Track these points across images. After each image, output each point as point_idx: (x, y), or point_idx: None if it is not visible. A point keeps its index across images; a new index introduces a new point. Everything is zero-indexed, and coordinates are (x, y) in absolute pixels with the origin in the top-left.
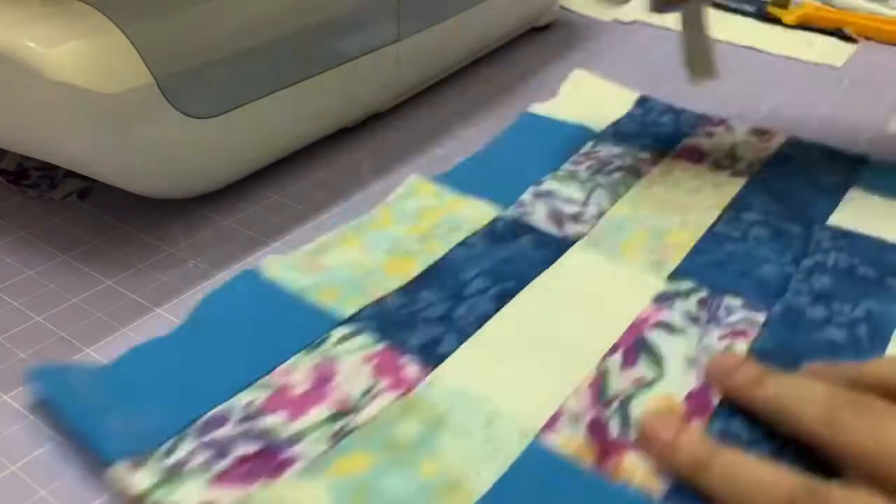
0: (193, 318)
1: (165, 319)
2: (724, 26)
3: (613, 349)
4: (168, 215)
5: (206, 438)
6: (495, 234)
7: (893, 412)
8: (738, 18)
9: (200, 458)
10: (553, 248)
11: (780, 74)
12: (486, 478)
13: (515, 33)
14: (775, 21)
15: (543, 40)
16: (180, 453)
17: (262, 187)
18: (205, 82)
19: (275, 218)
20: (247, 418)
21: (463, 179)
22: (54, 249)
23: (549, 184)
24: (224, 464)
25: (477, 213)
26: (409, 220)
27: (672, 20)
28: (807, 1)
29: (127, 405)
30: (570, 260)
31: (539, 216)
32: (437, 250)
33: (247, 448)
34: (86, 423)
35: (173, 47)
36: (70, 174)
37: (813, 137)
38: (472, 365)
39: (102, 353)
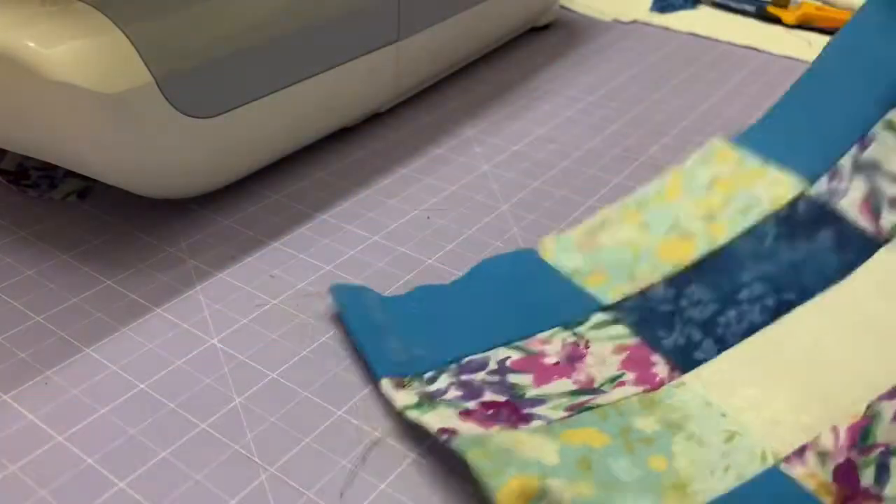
0: (469, 275)
1: (165, 319)
2: (724, 26)
3: (894, 392)
4: (168, 215)
5: (463, 378)
6: (792, 221)
7: None
8: (738, 18)
9: (454, 394)
10: (858, 249)
11: (781, 74)
12: (715, 487)
13: (515, 33)
14: (775, 21)
15: (543, 40)
16: (439, 384)
17: (262, 187)
18: (205, 82)
19: (275, 218)
20: (499, 371)
21: (769, 140)
22: (54, 249)
23: (878, 145)
24: (472, 404)
25: (776, 188)
26: (699, 190)
27: (672, 20)
28: (807, 1)
29: (404, 332)
30: (874, 266)
31: (852, 200)
32: (720, 236)
33: (494, 396)
34: (368, 340)
35: (173, 47)
36: (70, 174)
37: None
38: (725, 378)
39: (102, 353)
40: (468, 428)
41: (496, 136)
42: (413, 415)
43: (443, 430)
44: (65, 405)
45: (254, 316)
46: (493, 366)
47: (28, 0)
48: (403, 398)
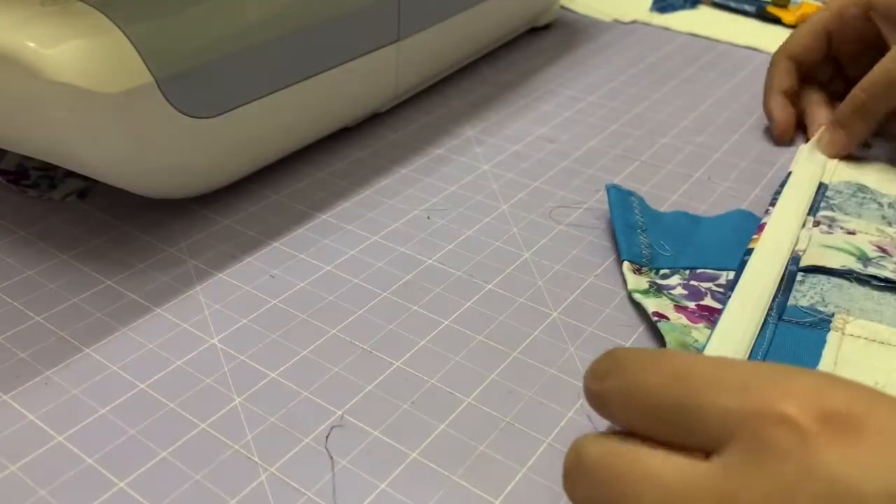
0: (723, 216)
1: (165, 319)
2: (724, 26)
3: None
4: (168, 215)
5: (692, 283)
6: None
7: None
8: (739, 18)
9: (680, 292)
10: None
11: None
12: None
13: (515, 33)
14: (775, 21)
15: (543, 40)
16: (670, 281)
17: (262, 187)
18: (205, 82)
19: (275, 218)
20: (727, 287)
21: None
22: (54, 249)
23: None
24: (692, 304)
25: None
26: None
27: (672, 20)
28: (807, 1)
29: (655, 236)
30: None
31: None
32: None
33: (713, 303)
34: (623, 231)
35: (173, 47)
36: (70, 174)
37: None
38: None
39: (102, 353)
40: (677, 318)
41: (496, 136)
42: (637, 297)
43: (656, 314)
44: (65, 405)
45: (254, 316)
46: (722, 281)
47: (28, 0)
48: (635, 282)
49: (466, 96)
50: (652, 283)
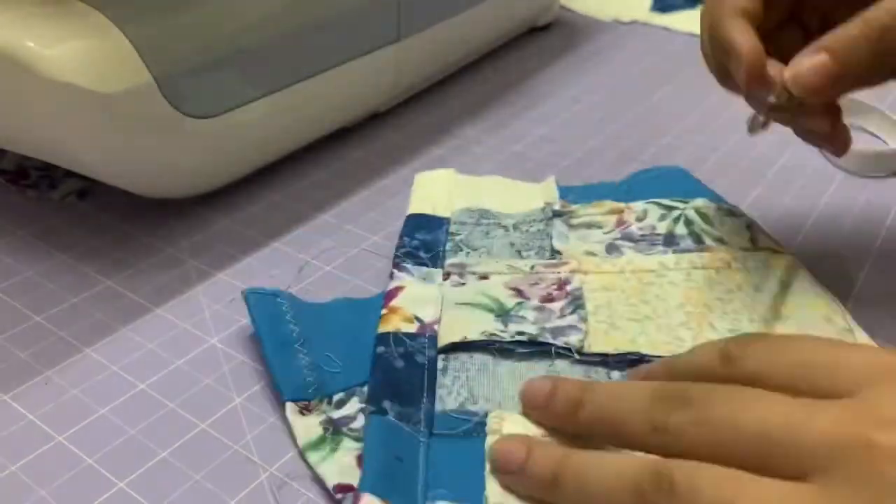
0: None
1: (165, 319)
2: None
3: None
4: (168, 215)
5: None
6: None
7: (717, 394)
8: None
9: (361, 423)
10: None
11: None
12: None
13: (516, 33)
14: None
15: (543, 40)
16: (347, 410)
17: (262, 187)
18: (205, 82)
19: (275, 218)
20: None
21: None
22: (54, 249)
23: None
24: None
25: None
26: None
27: (672, 20)
28: None
29: (318, 347)
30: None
31: None
32: None
33: None
34: (276, 356)
35: (173, 47)
36: (70, 174)
37: None
38: None
39: (102, 353)
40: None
41: (496, 136)
42: (313, 459)
43: (338, 488)
44: (65, 405)
45: None
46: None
47: (28, 0)
48: (305, 430)
49: (466, 96)
50: (326, 424)
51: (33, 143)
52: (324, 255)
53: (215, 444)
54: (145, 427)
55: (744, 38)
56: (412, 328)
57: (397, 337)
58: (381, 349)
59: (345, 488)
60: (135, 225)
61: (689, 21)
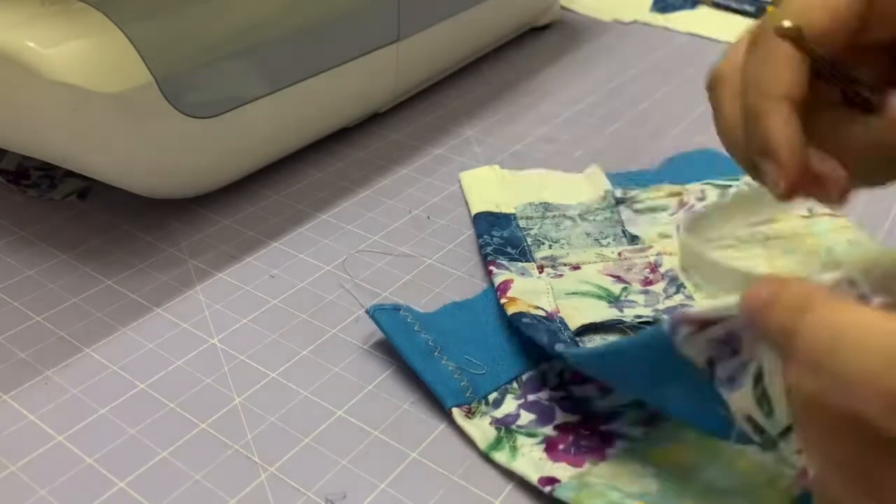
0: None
1: (165, 319)
2: (724, 26)
3: None
4: (168, 215)
5: (530, 398)
6: None
7: None
8: (738, 18)
9: (528, 418)
10: None
11: None
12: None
13: (515, 33)
14: None
15: (543, 40)
16: (507, 408)
17: (262, 187)
18: (205, 82)
19: (275, 218)
20: (561, 385)
21: None
22: (54, 249)
23: None
24: (549, 429)
25: None
26: None
27: (672, 20)
28: None
29: (453, 351)
30: None
31: None
32: None
33: (566, 417)
34: (425, 367)
35: (173, 47)
36: (70, 174)
37: None
38: None
39: (102, 353)
40: (562, 469)
41: (496, 136)
42: (501, 459)
43: (543, 480)
44: (65, 405)
45: (254, 316)
46: (552, 379)
47: (28, 0)
48: (481, 434)
49: (466, 96)
50: (496, 426)
51: (34, 143)
52: (324, 255)
53: (215, 444)
54: (145, 427)
55: (783, 137)
56: (540, 314)
57: (533, 316)
58: (526, 320)
59: (550, 480)
60: (135, 225)
61: (688, 21)
